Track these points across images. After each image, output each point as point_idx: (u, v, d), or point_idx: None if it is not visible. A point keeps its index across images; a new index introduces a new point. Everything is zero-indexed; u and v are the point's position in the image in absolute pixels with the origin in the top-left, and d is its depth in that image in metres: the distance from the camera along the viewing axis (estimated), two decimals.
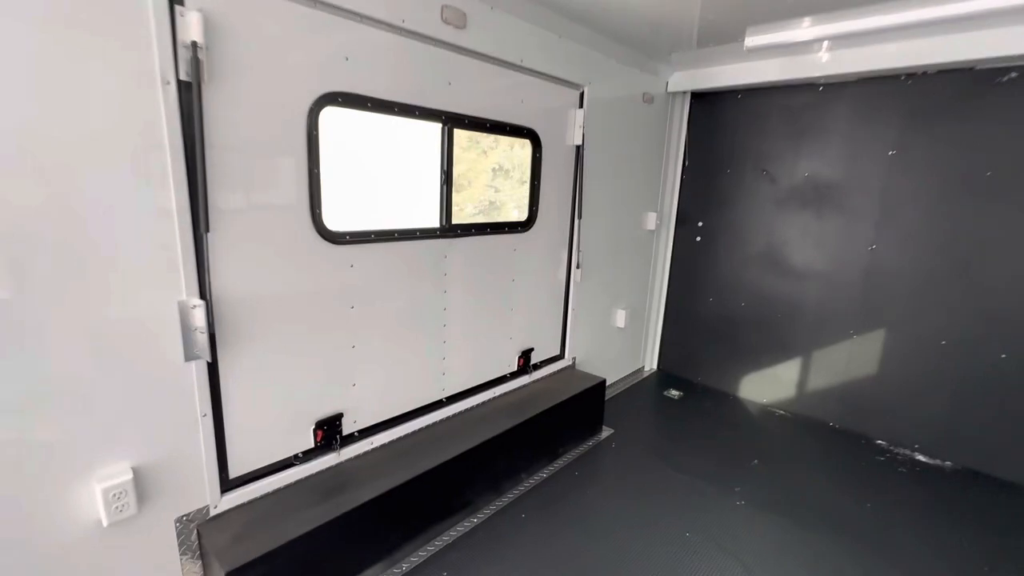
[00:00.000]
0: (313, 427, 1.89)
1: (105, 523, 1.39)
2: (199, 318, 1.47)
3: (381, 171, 2.08)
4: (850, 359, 3.10)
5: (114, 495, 1.39)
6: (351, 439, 2.02)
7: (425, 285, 2.19)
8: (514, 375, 2.77)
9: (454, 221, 2.25)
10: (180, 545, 1.58)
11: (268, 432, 1.77)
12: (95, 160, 1.27)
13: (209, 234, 1.49)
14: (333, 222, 1.81)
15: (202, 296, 1.50)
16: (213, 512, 1.64)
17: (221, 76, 1.45)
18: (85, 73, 1.22)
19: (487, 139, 2.41)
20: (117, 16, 1.25)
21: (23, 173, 1.18)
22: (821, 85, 2.99)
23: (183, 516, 1.58)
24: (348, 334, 1.94)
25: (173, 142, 1.37)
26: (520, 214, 2.65)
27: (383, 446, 2.11)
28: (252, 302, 1.64)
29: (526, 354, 2.82)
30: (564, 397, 2.71)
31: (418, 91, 1.97)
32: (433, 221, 2.20)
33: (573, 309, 3.04)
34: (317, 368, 1.86)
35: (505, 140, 2.50)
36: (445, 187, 2.18)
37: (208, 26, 1.39)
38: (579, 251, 2.95)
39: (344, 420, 1.99)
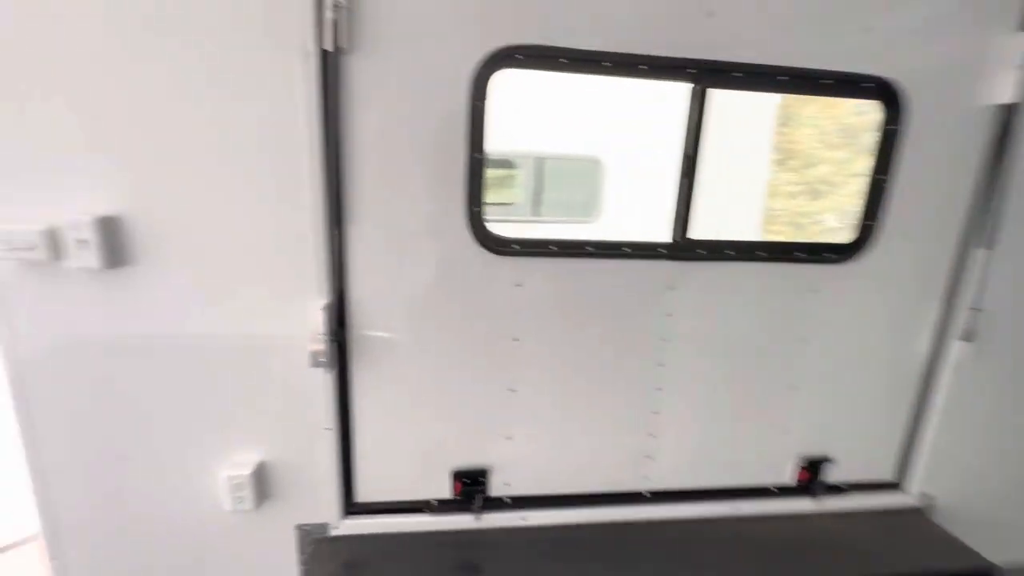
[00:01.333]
0: (451, 475, 1.53)
1: (227, 508, 1.40)
2: (325, 324, 1.29)
3: (568, 156, 1.50)
4: None
5: (235, 485, 1.38)
6: (498, 504, 1.57)
7: (632, 324, 1.49)
8: (785, 492, 1.70)
9: (694, 236, 1.44)
10: (300, 553, 1.50)
11: (400, 465, 1.51)
12: (233, 146, 1.21)
13: (346, 234, 1.29)
14: (497, 225, 1.37)
15: (334, 301, 1.32)
16: (332, 532, 1.50)
17: (367, 42, 1.19)
18: (225, 48, 1.16)
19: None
20: None
21: (175, 161, 1.20)
22: None
23: (303, 525, 1.48)
24: (507, 373, 1.47)
25: (311, 126, 1.21)
26: (825, 231, 1.55)
27: (540, 528, 1.57)
28: (391, 314, 1.38)
29: (814, 465, 1.69)
30: (895, 570, 1.49)
31: (648, 32, 1.28)
32: (657, 232, 1.46)
33: (944, 411, 1.66)
34: (462, 407, 1.48)
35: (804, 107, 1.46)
36: (685, 181, 1.40)
37: None
38: (975, 310, 1.56)
39: (491, 478, 1.55)
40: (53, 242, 1.17)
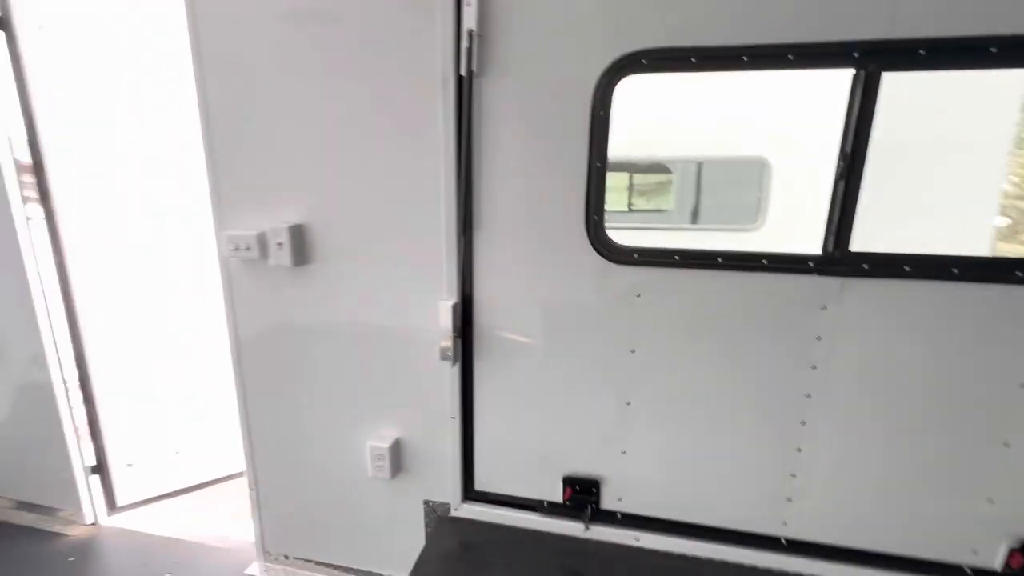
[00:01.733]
0: (563, 481, 1.54)
1: (369, 474, 1.63)
2: (452, 321, 1.43)
3: (729, 159, 1.37)
4: None
5: (376, 455, 1.60)
6: (609, 518, 1.53)
7: (771, 347, 1.33)
8: None
9: (857, 248, 1.22)
10: (426, 526, 1.67)
11: (515, 462, 1.58)
12: (385, 165, 1.41)
13: (473, 240, 1.41)
14: (617, 234, 1.34)
15: (460, 301, 1.45)
16: (453, 512, 1.64)
17: (496, 65, 1.29)
18: (373, 73, 1.36)
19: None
20: (406, 13, 1.30)
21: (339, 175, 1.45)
22: None
23: (429, 501, 1.65)
24: (623, 385, 1.43)
25: (447, 140, 1.35)
26: None
27: (654, 553, 1.49)
28: (512, 316, 1.46)
29: None
30: None
31: (797, 16, 1.13)
32: (806, 243, 1.28)
33: None
34: (575, 414, 1.49)
35: None
36: (843, 183, 1.20)
37: (483, 10, 1.25)
38: None
39: (603, 491, 1.52)
40: (262, 244, 1.52)
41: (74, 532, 2.09)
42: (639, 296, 1.36)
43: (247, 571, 1.86)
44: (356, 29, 1.35)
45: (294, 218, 1.50)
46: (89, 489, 2.13)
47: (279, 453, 1.76)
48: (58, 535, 2.07)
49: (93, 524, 2.13)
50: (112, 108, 1.98)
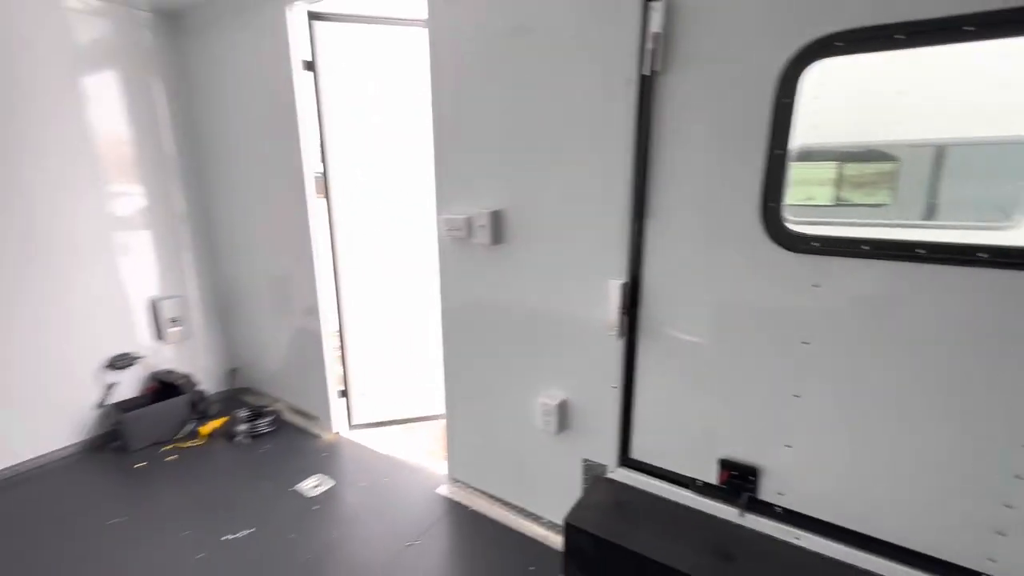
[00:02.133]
0: (719, 463, 1.58)
1: (539, 427, 1.89)
2: (620, 299, 1.59)
3: (978, 140, 1.23)
4: None
5: (545, 410, 1.85)
6: (766, 510, 1.52)
7: (984, 353, 1.17)
8: None
9: None
10: (584, 482, 1.87)
11: (672, 437, 1.66)
12: (571, 158, 1.63)
13: (646, 226, 1.54)
14: (795, 222, 1.33)
15: (628, 281, 1.60)
16: (609, 474, 1.80)
17: (677, 63, 1.39)
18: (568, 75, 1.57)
19: None
20: (596, 19, 1.49)
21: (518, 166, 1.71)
22: None
23: (587, 460, 1.84)
24: (791, 377, 1.41)
25: (627, 135, 1.51)
26: None
27: (817, 556, 1.44)
28: (679, 299, 1.55)
29: None
30: None
31: None
32: None
33: None
34: (739, 399, 1.51)
35: None
36: None
37: (669, 11, 1.36)
38: None
39: (762, 480, 1.52)
40: (469, 226, 1.88)
41: (326, 436, 2.84)
42: (817, 286, 1.33)
43: (437, 489, 2.31)
44: (546, 40, 1.59)
45: (494, 205, 1.83)
46: (336, 408, 2.87)
47: (468, 401, 2.14)
48: (315, 435, 2.84)
49: (337, 433, 2.86)
50: (369, 126, 2.61)
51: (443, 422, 2.29)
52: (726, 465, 1.56)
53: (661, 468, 1.70)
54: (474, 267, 1.95)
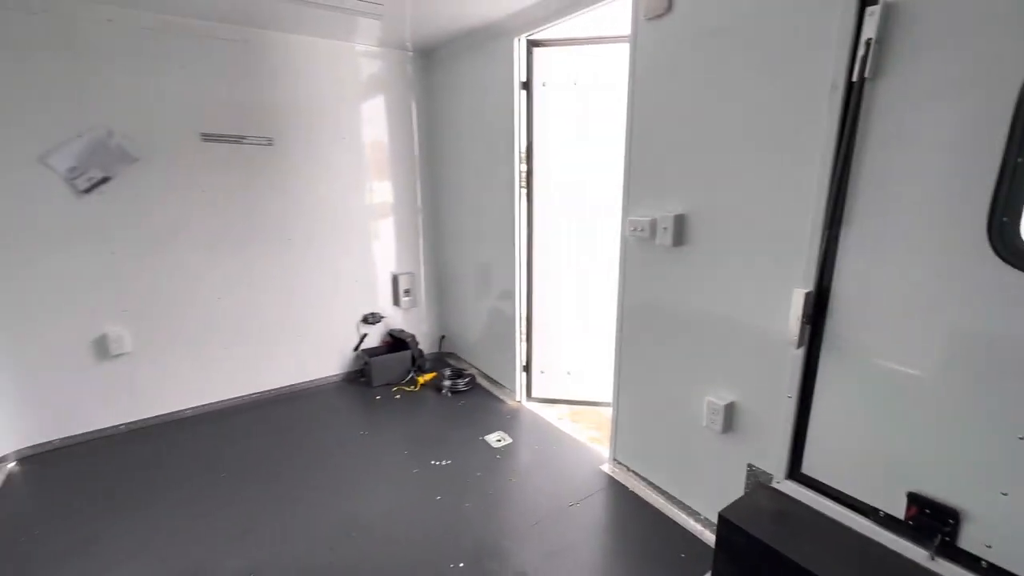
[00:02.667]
0: (906, 495, 1.46)
1: (704, 424, 1.96)
2: (803, 308, 1.58)
3: None
4: None
5: (711, 409, 1.91)
6: (967, 560, 1.36)
7: None
8: None
9: None
10: (746, 486, 1.88)
11: (850, 459, 1.58)
12: (759, 165, 1.66)
13: (839, 234, 1.50)
14: None
15: (814, 291, 1.57)
16: (774, 484, 1.78)
17: (891, 69, 1.33)
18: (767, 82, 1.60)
19: None
20: (805, 25, 1.49)
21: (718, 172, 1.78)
22: None
23: (753, 466, 1.85)
24: (1018, 415, 1.24)
25: (826, 141, 1.49)
26: None
27: None
28: (872, 313, 1.48)
29: None
30: None
31: None
32: None
33: None
34: (942, 433, 1.38)
35: None
36: None
37: (887, 16, 1.31)
38: None
39: (963, 526, 1.36)
40: (652, 228, 2.04)
41: (509, 402, 3.30)
42: None
43: (601, 466, 2.54)
44: (746, 48, 1.65)
45: (678, 209, 1.95)
46: (519, 380, 3.31)
47: (636, 390, 2.31)
48: (501, 400, 3.33)
49: (519, 402, 3.30)
50: (569, 134, 2.93)
51: (607, 409, 2.50)
52: (916, 500, 1.43)
53: (836, 489, 1.63)
54: (654, 266, 2.10)
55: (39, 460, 2.65)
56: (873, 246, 1.44)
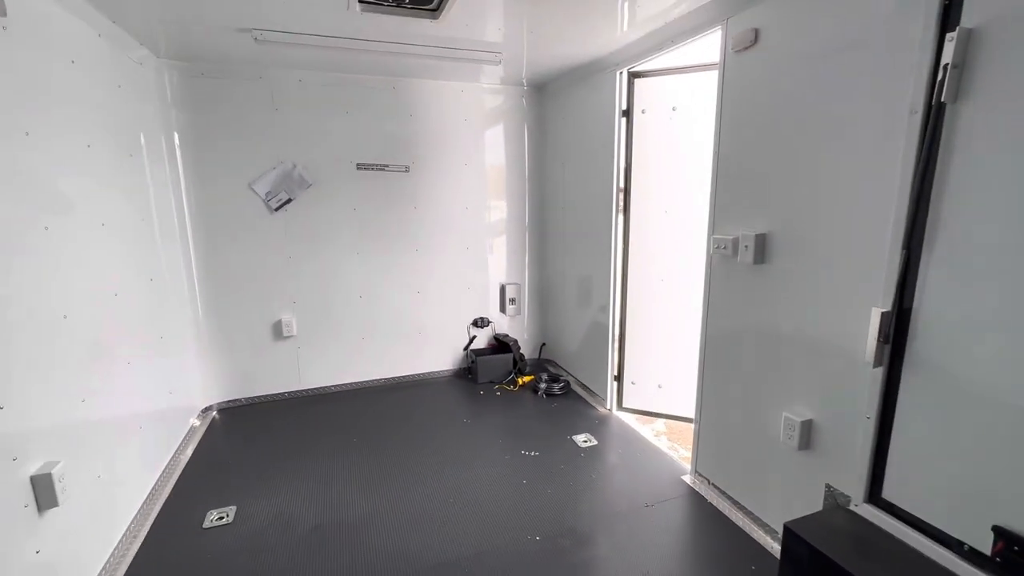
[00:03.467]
0: (993, 530, 1.39)
1: (780, 439, 1.98)
2: (880, 327, 1.59)
3: None
4: None
5: (788, 425, 1.94)
6: None
7: None
8: None
9: None
10: (824, 503, 1.87)
11: (933, 487, 1.53)
12: (833, 183, 1.70)
13: (918, 255, 1.50)
14: None
15: (892, 310, 1.57)
16: (852, 506, 1.76)
17: (973, 93, 1.34)
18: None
19: None
20: (885, 51, 1.54)
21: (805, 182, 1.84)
22: None
23: (831, 487, 1.84)
24: None
25: (905, 163, 1.51)
26: None
27: None
28: (958, 336, 1.45)
29: None
30: None
31: None
32: None
33: None
34: (1021, 460, 1.32)
35: None
36: None
37: (968, 43, 1.33)
38: None
39: None
40: (735, 246, 2.13)
41: (599, 409, 3.48)
42: None
43: (682, 476, 2.61)
44: (827, 73, 1.71)
45: (760, 228, 2.03)
46: (610, 389, 3.47)
47: (716, 403, 2.37)
48: (592, 407, 3.51)
49: (609, 410, 3.46)
50: (663, 155, 3.07)
51: (690, 424, 2.57)
52: (1002, 534, 1.36)
53: (917, 517, 1.58)
54: (736, 283, 2.18)
55: (231, 412, 3.48)
56: (958, 266, 1.43)
